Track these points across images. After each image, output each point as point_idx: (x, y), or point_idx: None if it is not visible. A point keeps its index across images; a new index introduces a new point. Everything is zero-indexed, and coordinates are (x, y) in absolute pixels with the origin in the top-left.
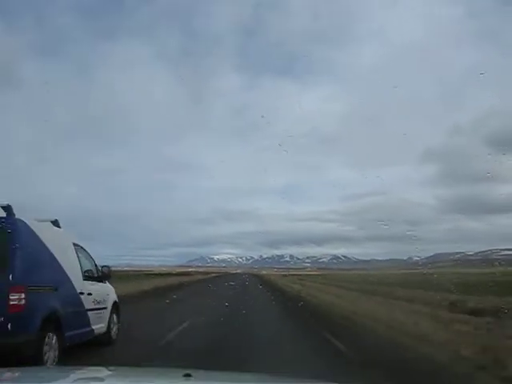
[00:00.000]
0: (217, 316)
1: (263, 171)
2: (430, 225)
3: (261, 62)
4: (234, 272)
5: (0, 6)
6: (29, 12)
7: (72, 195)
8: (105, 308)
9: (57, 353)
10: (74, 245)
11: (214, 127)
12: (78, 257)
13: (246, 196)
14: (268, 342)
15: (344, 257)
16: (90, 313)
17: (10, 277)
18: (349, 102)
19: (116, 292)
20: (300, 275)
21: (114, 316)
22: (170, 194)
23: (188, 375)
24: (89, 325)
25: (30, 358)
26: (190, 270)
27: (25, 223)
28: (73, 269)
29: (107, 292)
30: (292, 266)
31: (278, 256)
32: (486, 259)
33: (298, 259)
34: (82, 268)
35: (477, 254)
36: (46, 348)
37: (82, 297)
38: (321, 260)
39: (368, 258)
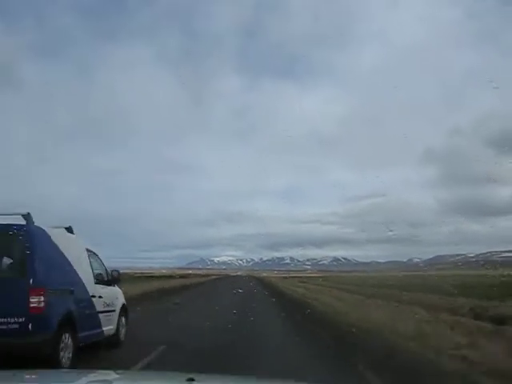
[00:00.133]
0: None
1: (264, 173)
2: (431, 227)
3: (261, 63)
4: (234, 274)
5: (0, 6)
6: (29, 12)
7: (72, 196)
8: (114, 311)
9: (71, 352)
10: (87, 250)
11: (214, 129)
12: (90, 262)
13: (246, 198)
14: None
15: (344, 259)
16: (100, 315)
17: (31, 280)
18: (349, 103)
19: None
20: (301, 277)
21: (123, 318)
22: (170, 196)
23: (191, 379)
24: (99, 326)
25: (48, 356)
26: (190, 272)
27: (43, 230)
28: (86, 273)
29: (116, 295)
30: (292, 268)
31: (278, 258)
32: (486, 261)
33: (299, 261)
34: (93, 272)
35: (478, 256)
36: (61, 347)
37: (93, 300)
38: (321, 262)
39: (368, 260)
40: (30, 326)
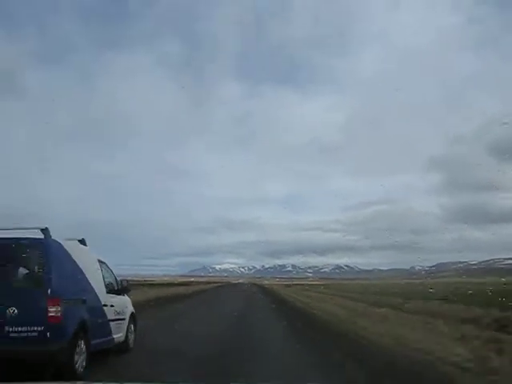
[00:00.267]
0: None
1: (265, 180)
2: (433, 234)
3: (262, 70)
4: (236, 282)
5: (4, 13)
6: (31, 19)
7: (73, 202)
8: (124, 319)
9: (85, 358)
10: (98, 261)
11: (216, 136)
12: (101, 272)
13: (248, 205)
14: None
15: (346, 266)
16: (111, 323)
17: (49, 291)
18: (351, 110)
19: None
20: (303, 285)
21: (132, 326)
22: (172, 203)
23: None
24: (110, 334)
25: (64, 362)
26: (192, 279)
27: (60, 244)
28: (98, 283)
29: (126, 304)
30: (294, 276)
31: (279, 266)
32: (489, 268)
33: (300, 269)
34: (105, 282)
35: (480, 263)
36: (76, 354)
37: (105, 308)
38: (323, 270)
39: (370, 268)
40: (48, 334)
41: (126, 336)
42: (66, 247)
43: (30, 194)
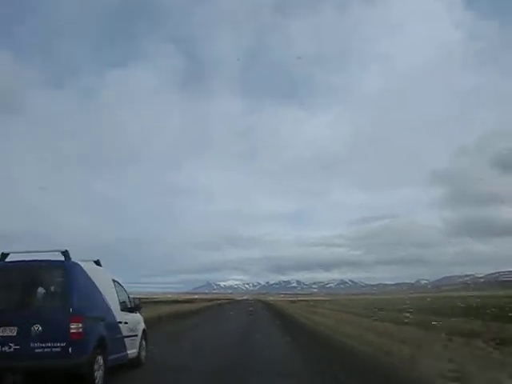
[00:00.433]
0: None
1: (269, 196)
2: (438, 247)
3: (264, 86)
4: (240, 298)
5: (8, 35)
6: (34, 41)
7: (77, 222)
8: (136, 335)
9: (103, 373)
10: (113, 281)
11: (218, 152)
12: (116, 291)
13: (251, 221)
14: None
15: (351, 281)
16: (126, 339)
17: (70, 309)
18: (355, 125)
19: None
20: (308, 301)
21: (143, 342)
22: (176, 220)
23: None
24: (125, 350)
25: (85, 376)
26: (196, 296)
27: (79, 265)
28: (113, 301)
29: (138, 321)
30: (299, 292)
31: (284, 282)
32: (494, 281)
33: (305, 285)
34: (119, 300)
35: (486, 276)
36: (95, 368)
37: (120, 325)
38: (328, 285)
39: (375, 283)
40: (70, 350)
41: (139, 352)
42: (85, 268)
43: (32, 215)
